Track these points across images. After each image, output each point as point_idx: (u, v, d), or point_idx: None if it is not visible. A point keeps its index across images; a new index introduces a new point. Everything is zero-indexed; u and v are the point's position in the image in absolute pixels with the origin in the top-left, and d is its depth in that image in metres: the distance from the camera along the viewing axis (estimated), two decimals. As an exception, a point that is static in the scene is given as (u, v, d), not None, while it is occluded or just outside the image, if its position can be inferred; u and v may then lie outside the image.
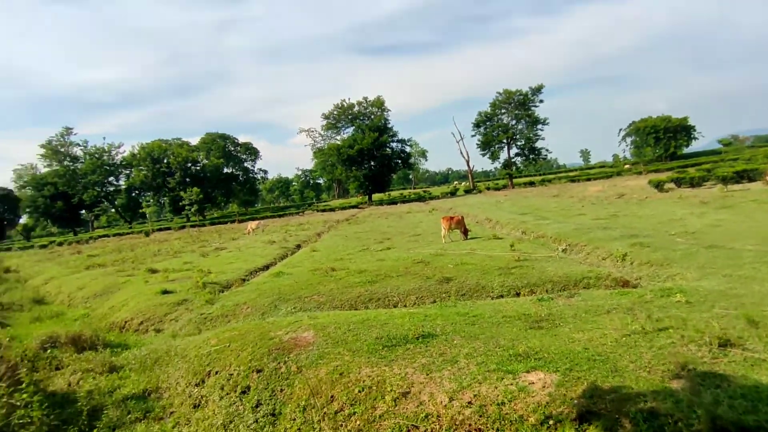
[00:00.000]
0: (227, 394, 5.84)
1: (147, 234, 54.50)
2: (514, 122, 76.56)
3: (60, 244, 54.36)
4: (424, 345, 5.49)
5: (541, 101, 75.18)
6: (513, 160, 77.56)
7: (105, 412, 6.38)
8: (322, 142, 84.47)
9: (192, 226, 62.50)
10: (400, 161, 78.82)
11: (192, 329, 10.06)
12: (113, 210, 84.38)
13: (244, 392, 5.66)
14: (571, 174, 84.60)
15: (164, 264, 20.24)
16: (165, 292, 13.02)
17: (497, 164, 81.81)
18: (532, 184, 70.69)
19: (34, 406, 4.70)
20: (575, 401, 3.62)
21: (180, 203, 73.61)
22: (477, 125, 77.99)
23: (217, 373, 6.44)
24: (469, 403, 3.97)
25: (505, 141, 76.10)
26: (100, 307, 13.95)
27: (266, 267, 17.67)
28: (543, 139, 76.07)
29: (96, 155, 77.89)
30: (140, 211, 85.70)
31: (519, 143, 76.46)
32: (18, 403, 4.98)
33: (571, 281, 9.68)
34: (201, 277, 13.86)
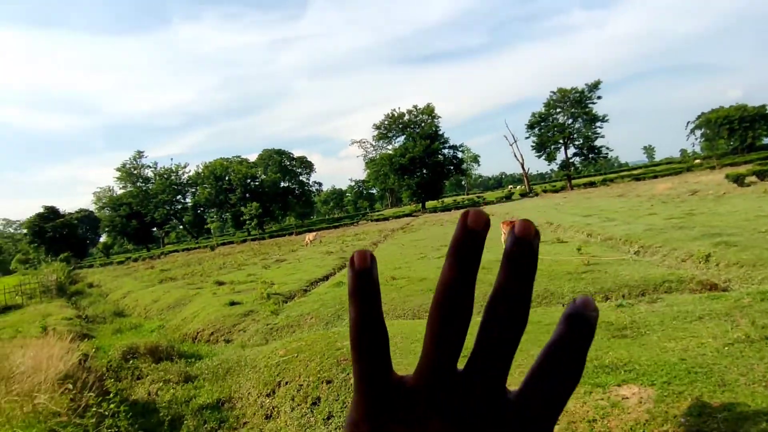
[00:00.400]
0: (298, 405, 5.85)
1: (212, 248, 57.23)
2: (570, 121, 73.70)
3: (135, 260, 58.25)
4: (498, 356, 5.23)
5: (599, 98, 71.91)
6: (571, 160, 74.54)
7: (184, 422, 6.60)
8: (374, 152, 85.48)
9: (253, 240, 65.00)
10: (452, 167, 78.04)
11: (259, 339, 10.30)
12: (181, 227, 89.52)
13: (314, 403, 5.64)
14: (635, 172, 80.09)
15: (230, 276, 21.04)
16: (232, 303, 13.47)
17: (554, 166, 79.05)
18: (592, 184, 67.52)
19: (121, 416, 4.93)
20: (681, 420, 3.25)
21: (241, 218, 76.86)
22: (531, 126, 75.81)
23: (287, 383, 6.48)
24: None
25: (561, 141, 73.35)
26: (174, 319, 14.67)
27: (326, 277, 17.92)
28: (603, 137, 72.76)
29: (165, 176, 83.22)
30: (205, 226, 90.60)
31: (577, 143, 73.39)
32: (106, 413, 5.24)
33: (650, 285, 8.98)
34: (265, 289, 14.24)
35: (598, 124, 71.82)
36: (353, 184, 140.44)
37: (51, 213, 72.51)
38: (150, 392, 7.87)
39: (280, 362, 7.15)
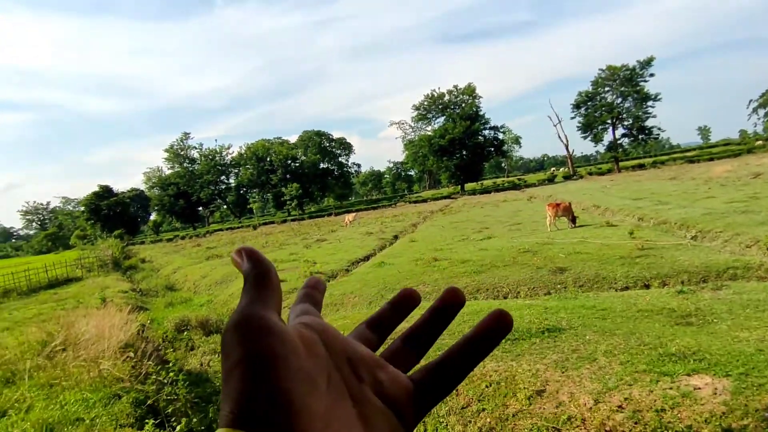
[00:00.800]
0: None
1: (254, 228, 58.81)
2: (619, 100, 70.12)
3: (183, 237, 60.71)
4: (552, 339, 5.06)
5: (651, 75, 67.92)
6: (619, 141, 71.18)
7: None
8: (413, 133, 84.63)
9: (293, 220, 66.29)
10: (492, 149, 76.33)
11: (304, 316, 10.50)
12: (225, 206, 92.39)
13: (362, 380, 5.67)
14: (688, 154, 75.60)
15: (273, 255, 21.52)
16: (276, 281, 13.78)
17: (600, 147, 75.80)
18: (641, 166, 64.39)
19: (180, 384, 5.12)
20: (765, 414, 3.02)
21: (282, 198, 78.41)
22: (577, 106, 72.74)
23: (333, 360, 6.56)
24: (620, 407, 3.51)
25: (609, 121, 70.05)
26: (221, 294, 15.18)
27: (367, 257, 18.02)
28: (654, 117, 68.75)
29: (209, 157, 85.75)
30: (248, 206, 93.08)
31: (626, 123, 69.85)
32: (165, 381, 5.46)
33: (713, 272, 8.47)
34: (308, 268, 14.47)
35: (650, 103, 67.97)
36: (391, 165, 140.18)
37: (105, 192, 76.35)
38: (202, 363, 8.17)
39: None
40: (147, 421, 4.41)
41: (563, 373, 4.16)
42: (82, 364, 5.40)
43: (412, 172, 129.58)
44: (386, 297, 10.35)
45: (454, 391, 4.56)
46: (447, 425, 4.18)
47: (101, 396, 4.64)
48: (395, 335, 0.41)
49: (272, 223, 66.70)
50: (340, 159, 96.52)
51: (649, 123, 69.00)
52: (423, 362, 0.38)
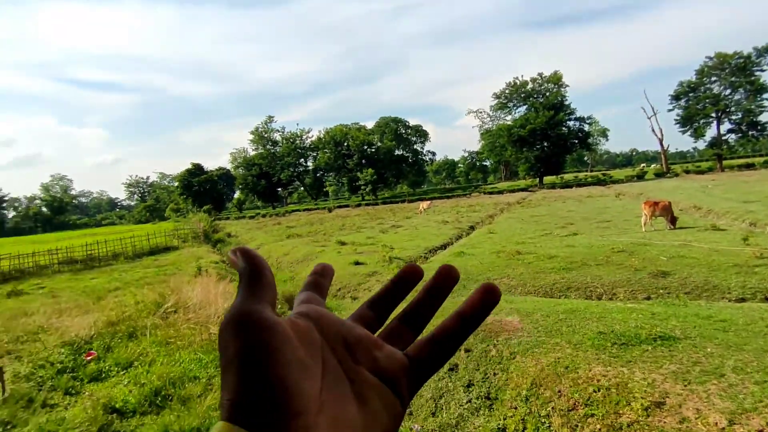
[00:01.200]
0: (434, 368, 5.89)
1: (330, 210, 60.58)
2: (728, 92, 63.10)
3: (263, 216, 64.06)
4: (666, 348, 4.67)
5: (770, 64, 60.23)
6: (724, 137, 64.26)
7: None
8: (491, 122, 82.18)
9: (366, 205, 67.44)
10: (576, 141, 72.05)
11: (385, 300, 10.64)
12: (302, 188, 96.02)
13: (452, 369, 5.62)
14: (810, 154, 66.63)
15: (350, 238, 22.04)
16: (357, 263, 14.08)
17: (701, 143, 69.01)
18: (750, 166, 57.79)
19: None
20: None
21: (356, 183, 79.93)
22: (676, 97, 66.55)
23: (421, 346, 6.57)
24: (760, 431, 3.16)
25: (713, 115, 63.38)
26: (303, 272, 15.83)
27: (443, 246, 17.89)
28: (769, 110, 61.11)
29: (290, 140, 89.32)
30: (324, 189, 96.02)
31: (734, 117, 62.83)
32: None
33: None
34: (387, 252, 14.63)
35: (766, 95, 60.51)
36: (466, 155, 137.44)
37: (197, 169, 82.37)
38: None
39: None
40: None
41: (685, 386, 3.83)
42: (193, 327, 5.87)
43: (487, 163, 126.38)
44: (469, 288, 10.19)
45: (557, 392, 4.38)
46: (550, 426, 4.02)
47: (212, 358, 5.01)
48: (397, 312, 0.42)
49: (347, 206, 68.30)
50: (415, 146, 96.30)
51: (762, 118, 61.56)
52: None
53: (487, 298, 0.38)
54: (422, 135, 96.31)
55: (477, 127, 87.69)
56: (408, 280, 0.43)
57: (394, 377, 0.35)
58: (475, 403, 4.87)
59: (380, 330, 0.41)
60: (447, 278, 0.41)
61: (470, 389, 5.10)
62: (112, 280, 16.57)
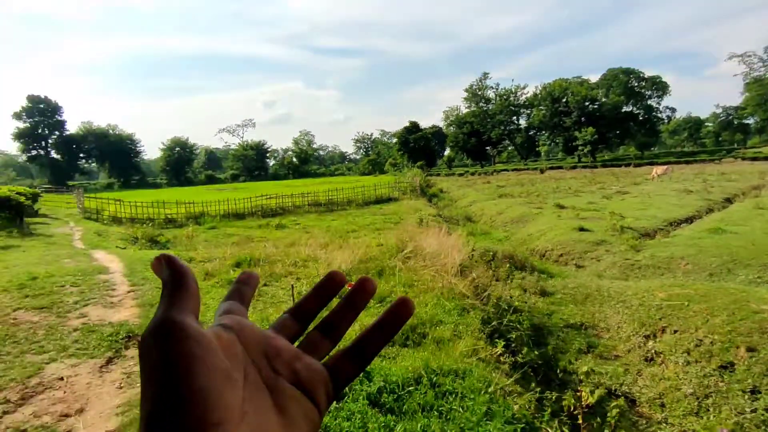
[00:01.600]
0: (696, 361, 5.06)
1: (541, 171, 57.46)
2: None
3: (472, 174, 64.73)
4: None
5: None
6: None
7: (547, 333, 6.81)
8: (762, 68, 63.92)
9: (583, 167, 61.56)
10: None
11: (617, 273, 9.62)
12: (512, 147, 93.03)
13: (723, 367, 4.74)
14: None
15: (568, 201, 20.49)
16: (581, 229, 13.02)
17: None
18: None
19: (524, 315, 5.37)
20: None
21: (573, 143, 73.45)
22: None
23: (675, 332, 5.71)
24: None
25: None
26: (518, 233, 15.47)
27: (688, 219, 15.16)
28: None
29: (504, 97, 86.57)
30: (536, 149, 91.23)
31: None
32: (505, 307, 5.85)
33: None
34: (617, 221, 13.10)
35: None
36: (719, 111, 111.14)
37: (414, 127, 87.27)
38: (511, 296, 8.46)
39: (663, 305, 6.35)
40: (497, 341, 4.80)
41: None
42: (432, 274, 6.31)
43: (750, 121, 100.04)
44: (733, 271, 8.40)
45: None
46: None
47: (454, 305, 5.29)
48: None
49: (560, 168, 63.69)
50: (649, 102, 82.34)
51: None
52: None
53: (402, 310, 0.39)
54: (660, 88, 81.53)
55: (741, 75, 69.45)
56: (330, 287, 0.43)
57: (312, 388, 0.36)
58: (763, 415, 4.00)
59: (300, 339, 0.41)
60: (363, 291, 0.42)
61: (756, 396, 4.21)
62: (347, 223, 19.14)
